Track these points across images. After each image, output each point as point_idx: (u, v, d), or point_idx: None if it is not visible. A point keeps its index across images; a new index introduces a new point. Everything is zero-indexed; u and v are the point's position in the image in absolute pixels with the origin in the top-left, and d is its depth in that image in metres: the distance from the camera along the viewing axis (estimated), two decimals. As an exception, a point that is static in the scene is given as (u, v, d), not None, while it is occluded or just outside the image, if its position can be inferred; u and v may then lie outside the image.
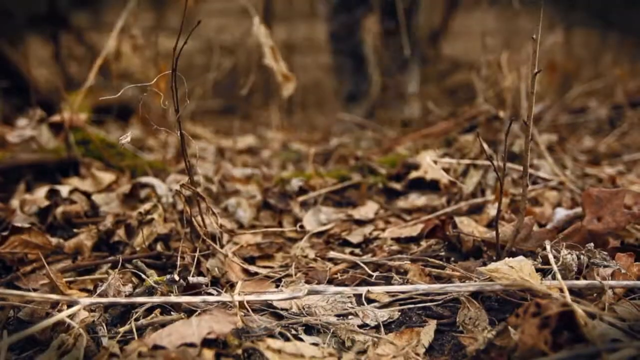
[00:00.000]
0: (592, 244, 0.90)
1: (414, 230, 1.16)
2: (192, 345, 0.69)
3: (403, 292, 0.85)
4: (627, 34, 3.97)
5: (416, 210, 1.39)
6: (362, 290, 0.83)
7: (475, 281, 0.87)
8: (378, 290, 0.84)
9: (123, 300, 0.79)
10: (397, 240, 1.17)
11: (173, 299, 0.80)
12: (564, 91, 2.90)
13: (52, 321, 0.70)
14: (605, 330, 0.68)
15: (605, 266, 0.87)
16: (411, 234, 1.16)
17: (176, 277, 0.87)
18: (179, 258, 0.98)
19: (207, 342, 0.71)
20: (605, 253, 0.89)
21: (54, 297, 0.73)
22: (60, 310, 0.84)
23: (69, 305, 0.80)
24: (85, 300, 0.74)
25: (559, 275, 0.79)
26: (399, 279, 0.96)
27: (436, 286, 0.82)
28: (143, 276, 0.94)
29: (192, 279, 0.91)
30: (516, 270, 0.81)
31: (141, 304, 0.85)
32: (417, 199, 1.41)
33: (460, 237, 1.07)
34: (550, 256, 0.85)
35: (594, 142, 2.04)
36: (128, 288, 0.90)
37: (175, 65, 0.86)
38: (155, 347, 0.69)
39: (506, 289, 0.80)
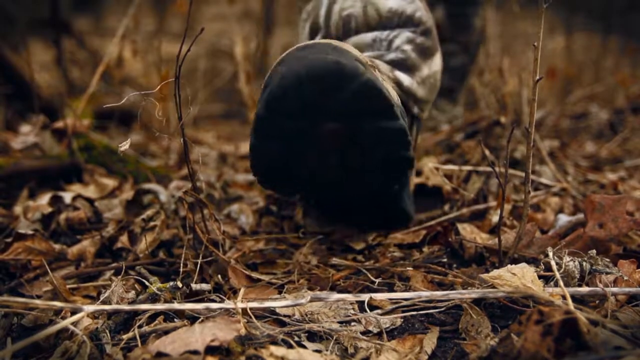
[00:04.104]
0: (594, 251, 0.90)
1: (417, 236, 1.17)
2: (195, 352, 0.69)
3: (406, 299, 0.85)
4: (629, 38, 3.98)
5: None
6: (365, 297, 0.83)
7: (478, 288, 0.87)
8: (381, 297, 0.84)
9: (127, 307, 0.79)
10: (400, 246, 1.17)
11: (176, 306, 0.80)
12: (565, 96, 2.90)
13: (56, 328, 0.70)
14: (608, 337, 0.68)
15: (607, 273, 0.87)
16: (414, 240, 1.16)
17: (179, 284, 0.87)
18: (181, 265, 0.99)
19: (210, 349, 0.71)
20: (608, 260, 0.89)
21: (58, 304, 0.73)
22: (64, 318, 0.84)
23: (73, 313, 0.80)
24: (89, 307, 0.74)
25: (561, 283, 0.79)
26: (402, 286, 0.96)
27: (439, 293, 0.82)
28: (146, 283, 0.95)
29: (195, 286, 0.91)
30: (519, 277, 0.81)
31: (144, 311, 0.86)
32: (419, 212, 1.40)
33: (462, 244, 1.08)
34: (553, 263, 0.85)
35: (596, 148, 2.04)
36: (131, 295, 0.90)
37: (178, 73, 0.87)
38: (159, 355, 0.70)
39: (509, 295, 0.80)
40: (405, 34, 1.07)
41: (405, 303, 0.87)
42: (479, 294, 0.81)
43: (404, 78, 1.05)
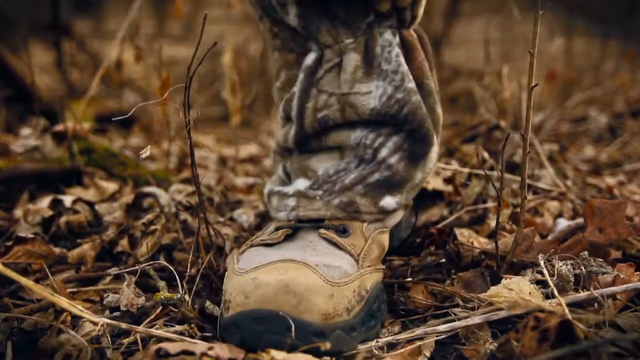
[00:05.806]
0: (586, 252, 0.90)
1: (415, 241, 1.17)
2: (192, 354, 0.69)
3: (412, 335, 0.82)
4: (629, 41, 3.98)
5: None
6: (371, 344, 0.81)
7: (479, 307, 0.86)
8: (388, 340, 0.82)
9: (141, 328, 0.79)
10: (398, 253, 1.17)
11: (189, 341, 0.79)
12: (565, 100, 2.91)
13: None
14: (605, 342, 0.68)
15: (603, 273, 0.87)
16: (412, 246, 1.16)
17: (186, 297, 0.87)
18: (187, 274, 0.97)
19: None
20: (601, 260, 0.89)
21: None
22: (64, 322, 0.85)
23: (73, 316, 0.80)
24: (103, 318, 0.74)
25: (555, 291, 0.80)
26: (401, 296, 0.95)
27: (443, 326, 0.81)
28: (158, 285, 0.95)
29: (208, 307, 0.90)
30: (516, 292, 0.81)
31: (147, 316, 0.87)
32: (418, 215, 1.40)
33: (459, 250, 1.07)
34: (545, 271, 0.85)
35: (595, 152, 2.05)
36: (141, 300, 0.90)
37: (189, 84, 0.86)
38: (159, 357, 0.70)
39: (511, 313, 0.80)
40: (392, 140, 0.95)
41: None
42: (482, 319, 0.80)
43: (390, 203, 0.95)
